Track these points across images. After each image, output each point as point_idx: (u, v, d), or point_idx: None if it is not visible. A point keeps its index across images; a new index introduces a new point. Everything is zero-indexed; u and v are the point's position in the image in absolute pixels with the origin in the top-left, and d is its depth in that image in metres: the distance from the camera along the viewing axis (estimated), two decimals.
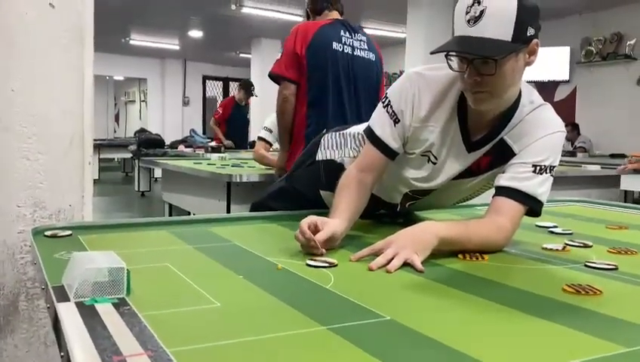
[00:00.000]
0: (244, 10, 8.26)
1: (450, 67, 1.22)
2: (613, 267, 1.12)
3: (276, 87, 2.56)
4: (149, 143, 7.67)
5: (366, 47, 2.63)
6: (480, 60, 1.16)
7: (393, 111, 1.36)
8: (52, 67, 1.65)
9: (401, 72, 6.42)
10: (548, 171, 1.28)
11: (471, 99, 1.24)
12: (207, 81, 14.88)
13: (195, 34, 10.74)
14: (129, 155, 9.00)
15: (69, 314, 0.75)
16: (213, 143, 6.86)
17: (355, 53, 2.57)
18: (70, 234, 1.32)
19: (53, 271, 0.94)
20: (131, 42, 11.65)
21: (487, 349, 0.69)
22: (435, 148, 1.36)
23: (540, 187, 1.27)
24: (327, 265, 1.08)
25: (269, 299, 0.88)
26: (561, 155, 1.37)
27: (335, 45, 2.51)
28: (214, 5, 8.32)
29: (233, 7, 8.09)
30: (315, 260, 1.10)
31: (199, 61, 14.05)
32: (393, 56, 9.03)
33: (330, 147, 1.66)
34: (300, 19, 2.72)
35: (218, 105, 7.66)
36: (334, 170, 1.54)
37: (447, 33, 5.93)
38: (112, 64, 12.86)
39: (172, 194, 3.85)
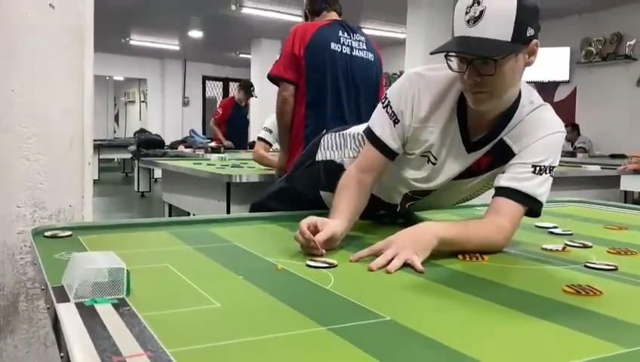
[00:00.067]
0: (244, 10, 8.25)
1: (450, 67, 1.23)
2: (613, 267, 1.12)
3: (276, 87, 2.56)
4: (148, 144, 7.67)
5: (365, 47, 2.63)
6: (480, 61, 1.16)
7: (393, 111, 1.36)
8: (52, 67, 1.65)
9: (401, 73, 6.42)
10: (548, 171, 1.28)
11: (471, 99, 1.24)
12: (207, 81, 14.88)
13: (195, 34, 10.74)
14: (129, 156, 9.00)
15: (68, 315, 0.74)
16: (213, 144, 6.87)
17: (353, 54, 2.58)
18: (70, 235, 1.32)
19: (53, 271, 0.94)
20: (131, 42, 11.65)
21: (487, 350, 0.69)
22: (434, 148, 1.36)
23: (539, 187, 1.27)
24: (327, 265, 1.08)
25: (269, 300, 0.88)
26: (561, 156, 1.37)
27: (333, 46, 2.51)
28: (214, 5, 8.32)
29: (233, 7, 8.08)
30: (314, 261, 1.10)
31: (199, 61, 14.06)
32: (393, 56, 9.03)
33: (330, 147, 1.66)
34: (300, 19, 2.71)
35: (218, 106, 7.66)
36: (334, 170, 1.54)
37: (447, 33, 5.93)
38: (112, 64, 12.86)
39: (172, 194, 3.85)
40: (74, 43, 1.69)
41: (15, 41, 1.59)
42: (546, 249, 1.30)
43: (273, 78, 2.54)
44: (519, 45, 1.15)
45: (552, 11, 7.18)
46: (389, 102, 1.37)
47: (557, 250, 1.28)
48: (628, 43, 7.40)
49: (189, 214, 3.49)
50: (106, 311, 0.77)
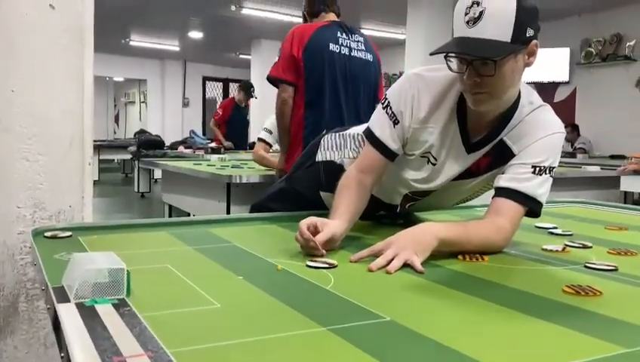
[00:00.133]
0: (244, 11, 8.27)
1: (450, 68, 1.23)
2: (613, 268, 1.12)
3: (276, 88, 2.56)
4: (148, 144, 7.68)
5: (363, 47, 2.63)
6: (479, 61, 1.16)
7: (392, 112, 1.36)
8: (52, 68, 1.65)
9: (401, 73, 6.42)
10: (547, 172, 1.28)
11: (470, 100, 1.24)
12: (207, 82, 14.89)
13: (195, 35, 10.74)
14: (129, 156, 9.01)
15: (69, 315, 0.75)
16: (213, 144, 6.87)
17: (352, 54, 2.58)
18: (70, 235, 1.32)
19: (53, 272, 0.94)
20: (131, 43, 11.66)
21: (487, 350, 0.69)
22: (434, 149, 1.36)
23: (539, 188, 1.27)
24: (327, 266, 1.08)
25: (269, 300, 0.88)
26: (561, 156, 1.37)
27: (332, 46, 2.51)
28: (214, 6, 8.32)
29: (233, 8, 8.10)
30: (314, 261, 1.10)
31: (199, 62, 14.06)
32: (393, 57, 9.04)
33: (330, 148, 1.66)
34: (300, 20, 2.72)
35: (218, 107, 7.66)
36: (334, 171, 1.54)
37: (446, 34, 5.93)
38: (112, 65, 12.87)
39: (172, 195, 3.85)
40: (74, 43, 1.69)
41: (15, 41, 1.59)
42: (546, 249, 1.30)
43: (272, 80, 2.55)
44: (519, 46, 1.15)
45: (552, 12, 7.18)
46: (388, 102, 1.37)
47: (557, 251, 1.28)
48: (627, 44, 7.41)
49: (189, 215, 3.49)
50: (106, 312, 0.77)
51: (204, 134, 10.43)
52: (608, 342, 0.72)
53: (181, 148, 7.07)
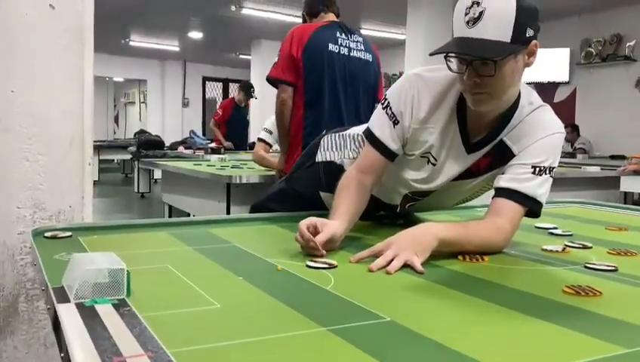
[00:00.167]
0: (244, 11, 8.27)
1: (450, 68, 1.23)
2: (613, 268, 1.12)
3: (275, 89, 2.56)
4: (148, 144, 7.68)
5: (362, 47, 2.63)
6: (479, 61, 1.16)
7: (392, 112, 1.36)
8: (52, 68, 1.65)
9: (401, 74, 6.43)
10: (547, 172, 1.28)
11: (470, 100, 1.24)
12: (206, 82, 14.89)
13: (195, 35, 10.74)
14: (129, 156, 9.01)
15: (69, 315, 0.75)
16: (213, 145, 6.87)
17: (351, 54, 2.58)
18: (70, 236, 1.32)
19: (53, 272, 0.94)
20: (131, 43, 11.66)
21: (487, 350, 0.69)
22: (434, 149, 1.36)
23: (539, 188, 1.27)
24: (327, 266, 1.08)
25: (269, 300, 0.88)
26: (561, 157, 1.37)
27: (331, 47, 2.51)
28: (214, 6, 8.32)
29: (233, 8, 8.10)
30: (314, 261, 1.10)
31: (199, 62, 14.06)
32: (393, 57, 9.04)
33: (330, 148, 1.66)
34: (300, 20, 2.72)
35: (218, 107, 7.66)
36: (334, 171, 1.54)
37: (446, 34, 5.91)
38: (112, 65, 12.87)
39: (172, 195, 3.85)
40: (74, 43, 1.69)
41: (15, 41, 1.59)
42: (546, 250, 1.30)
43: (272, 80, 2.55)
44: (519, 46, 1.15)
45: (552, 12, 7.18)
46: (388, 103, 1.37)
47: (557, 251, 1.28)
48: (627, 44, 7.41)
49: (189, 215, 3.49)
50: (106, 312, 0.77)
51: (204, 134, 10.43)
52: (608, 343, 0.72)
53: (181, 149, 7.07)
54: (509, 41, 1.12)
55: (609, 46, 7.62)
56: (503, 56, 1.14)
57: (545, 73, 7.85)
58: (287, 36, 2.52)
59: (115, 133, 17.47)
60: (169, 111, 14.16)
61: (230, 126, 6.70)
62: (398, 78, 1.45)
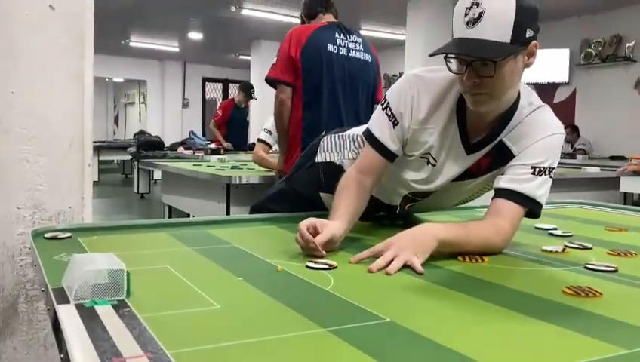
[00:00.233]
0: (244, 12, 8.28)
1: (449, 69, 1.23)
2: (613, 269, 1.12)
3: (274, 89, 2.56)
4: (148, 145, 7.69)
5: (361, 48, 2.63)
6: (479, 62, 1.16)
7: (392, 113, 1.36)
8: (52, 68, 1.65)
9: (401, 74, 6.42)
10: (547, 173, 1.28)
11: (470, 100, 1.24)
12: (206, 83, 14.89)
13: (195, 36, 10.75)
14: (128, 157, 9.02)
15: (68, 316, 0.74)
16: (213, 145, 6.86)
17: (350, 55, 2.58)
18: (70, 236, 1.32)
19: (53, 273, 0.94)
20: (131, 44, 11.66)
21: (487, 351, 0.69)
22: (434, 150, 1.36)
23: (539, 189, 1.27)
24: (326, 267, 1.08)
25: (269, 301, 0.88)
26: (561, 157, 1.37)
27: (330, 47, 2.51)
28: (214, 7, 8.33)
29: (233, 9, 8.10)
30: (314, 262, 1.10)
31: (199, 63, 14.07)
32: (393, 58, 9.05)
33: (330, 149, 1.66)
34: (299, 22, 2.73)
35: (217, 108, 7.65)
36: (334, 172, 1.54)
37: (446, 35, 5.90)
38: (112, 66, 12.88)
39: (171, 196, 3.85)
40: (74, 44, 1.69)
41: (15, 42, 1.59)
42: (545, 250, 1.30)
43: (270, 81, 2.55)
44: (518, 47, 1.15)
45: (552, 13, 7.19)
46: (388, 103, 1.37)
47: (557, 252, 1.28)
48: (627, 45, 7.41)
49: (188, 216, 3.49)
50: (106, 313, 0.77)
51: (203, 135, 10.43)
52: (608, 343, 0.72)
53: (181, 149, 7.06)
54: (508, 41, 1.12)
55: (609, 47, 7.62)
56: (502, 57, 1.14)
57: (545, 74, 7.85)
58: (286, 37, 2.52)
59: (114, 133, 17.47)
60: (169, 112, 14.16)
61: (230, 127, 6.70)
62: (398, 78, 1.45)
